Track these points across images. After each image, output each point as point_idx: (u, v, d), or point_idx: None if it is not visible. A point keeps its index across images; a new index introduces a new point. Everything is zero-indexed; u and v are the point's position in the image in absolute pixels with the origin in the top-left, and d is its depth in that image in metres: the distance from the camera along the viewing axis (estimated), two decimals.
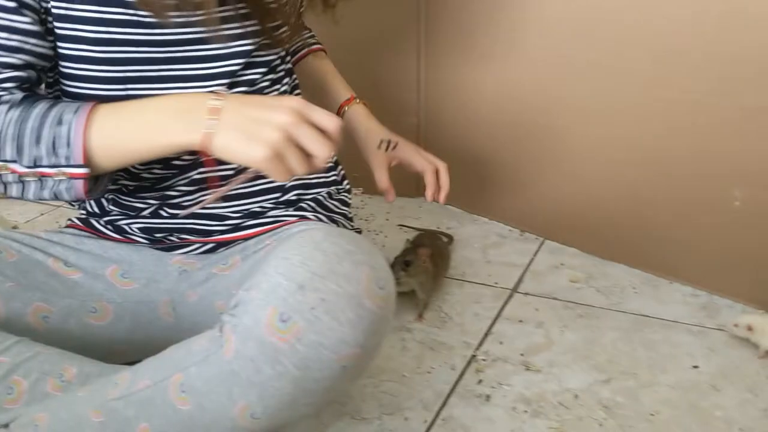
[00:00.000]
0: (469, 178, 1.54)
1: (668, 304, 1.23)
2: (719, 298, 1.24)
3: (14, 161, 0.80)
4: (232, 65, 0.91)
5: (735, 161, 1.14)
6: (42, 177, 0.80)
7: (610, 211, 1.34)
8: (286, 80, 1.02)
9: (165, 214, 0.98)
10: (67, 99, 0.89)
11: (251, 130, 0.74)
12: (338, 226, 1.04)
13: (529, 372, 1.07)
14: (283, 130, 0.74)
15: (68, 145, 0.79)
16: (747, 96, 1.09)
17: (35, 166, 0.80)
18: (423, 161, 1.20)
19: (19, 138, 0.79)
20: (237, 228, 0.97)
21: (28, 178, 0.81)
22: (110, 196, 1.00)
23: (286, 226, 0.96)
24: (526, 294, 1.28)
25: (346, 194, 1.12)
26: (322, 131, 0.76)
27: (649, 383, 1.04)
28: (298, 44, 1.25)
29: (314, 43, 1.27)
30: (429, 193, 1.19)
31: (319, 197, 1.06)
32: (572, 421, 0.97)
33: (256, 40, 0.93)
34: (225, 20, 0.89)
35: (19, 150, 0.79)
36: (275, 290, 0.71)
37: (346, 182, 1.13)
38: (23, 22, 0.82)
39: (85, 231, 1.01)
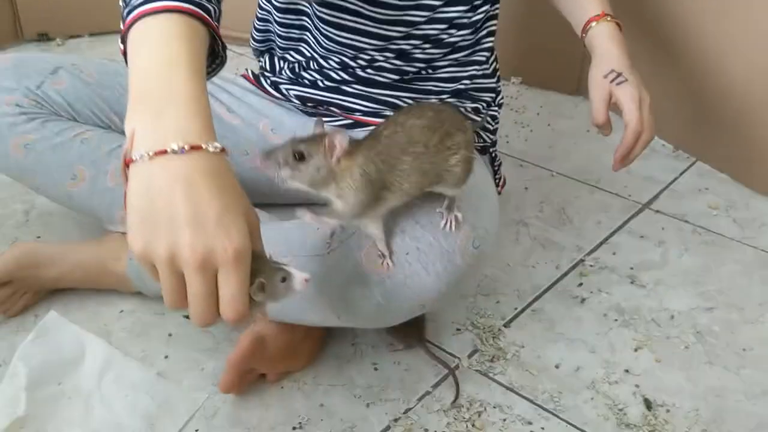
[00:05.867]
0: None
1: None
2: None
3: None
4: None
5: None
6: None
7: None
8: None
9: (321, 86, 1.06)
10: None
11: (154, 215, 0.55)
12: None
13: (633, 286, 1.08)
14: (172, 258, 0.56)
15: (125, 16, 0.65)
16: None
17: (127, 14, 0.65)
18: (635, 115, 0.96)
19: None
20: (376, 114, 1.03)
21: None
22: (288, 65, 1.09)
23: None
24: (657, 211, 1.26)
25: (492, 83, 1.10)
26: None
27: (753, 320, 1.02)
28: None
29: None
30: (618, 153, 0.99)
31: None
32: (659, 339, 0.98)
33: None
34: None
35: None
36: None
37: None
38: None
39: (252, 84, 1.13)
